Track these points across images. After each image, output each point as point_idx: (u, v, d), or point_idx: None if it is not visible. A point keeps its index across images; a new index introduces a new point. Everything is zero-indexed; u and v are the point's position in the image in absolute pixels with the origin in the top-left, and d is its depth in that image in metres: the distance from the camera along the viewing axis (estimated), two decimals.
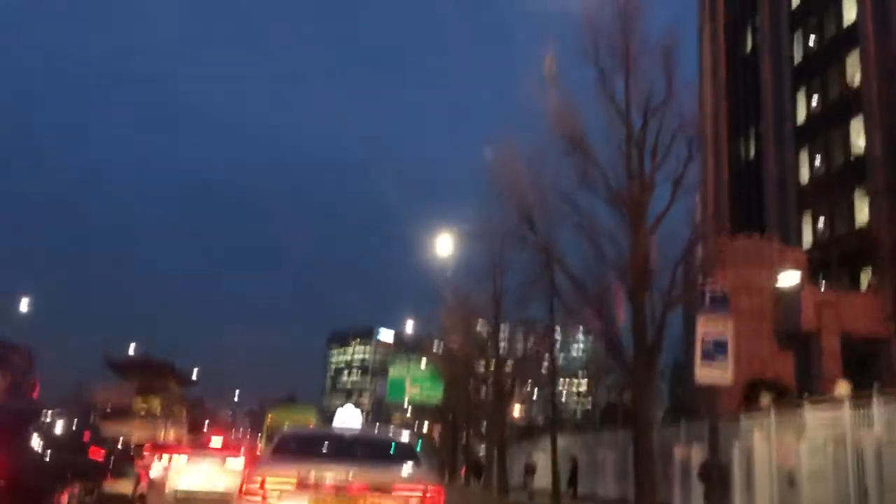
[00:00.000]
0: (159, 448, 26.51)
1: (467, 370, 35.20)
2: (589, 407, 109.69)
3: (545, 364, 40.03)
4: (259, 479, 6.73)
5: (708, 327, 14.00)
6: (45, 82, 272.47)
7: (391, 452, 8.20)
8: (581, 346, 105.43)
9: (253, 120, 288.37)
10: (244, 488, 6.79)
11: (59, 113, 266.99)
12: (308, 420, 50.86)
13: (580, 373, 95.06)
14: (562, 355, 67.26)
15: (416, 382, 45.68)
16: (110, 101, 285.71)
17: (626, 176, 18.62)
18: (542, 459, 36.47)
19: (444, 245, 31.31)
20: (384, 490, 6.70)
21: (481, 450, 55.81)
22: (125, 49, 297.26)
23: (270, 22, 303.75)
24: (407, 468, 7.50)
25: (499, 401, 32.20)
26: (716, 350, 13.89)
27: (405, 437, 9.55)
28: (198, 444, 22.18)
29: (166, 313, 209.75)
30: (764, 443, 16.84)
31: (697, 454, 20.05)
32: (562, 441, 36.09)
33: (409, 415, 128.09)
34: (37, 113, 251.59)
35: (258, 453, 23.54)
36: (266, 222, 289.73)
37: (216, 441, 21.56)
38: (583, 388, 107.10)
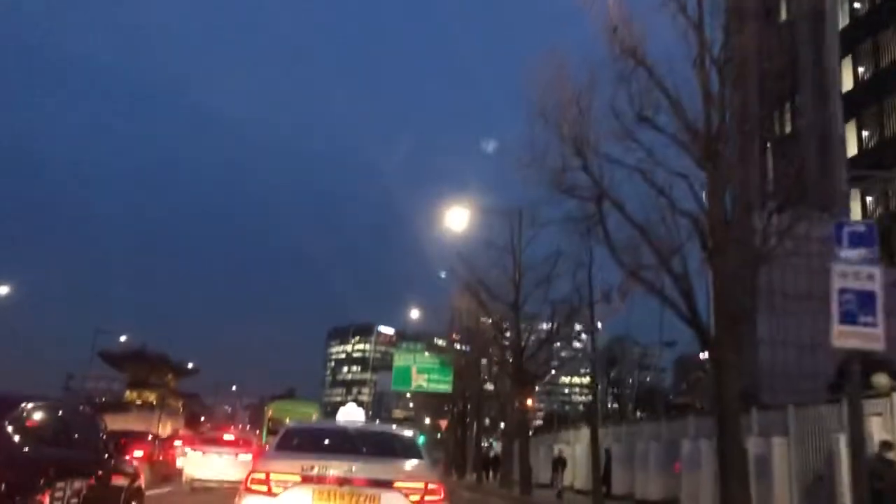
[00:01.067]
0: (133, 441, 23.44)
1: (483, 356, 31.25)
2: (589, 398, 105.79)
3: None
4: (264, 472, 6.80)
5: (847, 279, 10.12)
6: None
7: (394, 447, 8.08)
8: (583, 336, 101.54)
9: (252, 117, 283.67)
10: (249, 481, 6.79)
11: (65, 110, 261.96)
12: (310, 414, 47.57)
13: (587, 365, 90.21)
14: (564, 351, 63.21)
15: (423, 371, 41.87)
16: (118, 101, 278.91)
17: (703, 102, 14.83)
18: (566, 453, 32.77)
19: (456, 219, 27.76)
20: (386, 484, 6.67)
21: (490, 444, 52.06)
22: (135, 54, 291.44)
23: (273, 22, 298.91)
24: (409, 463, 7.43)
25: (520, 388, 28.33)
26: (861, 307, 10.03)
27: (408, 432, 9.17)
28: (211, 439, 23.34)
29: (165, 307, 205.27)
30: (889, 434, 13.05)
31: (780, 448, 16.36)
32: (588, 432, 32.39)
33: (411, 405, 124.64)
34: (35, 108, 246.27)
35: (260, 447, 24.18)
36: (268, 219, 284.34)
37: (229, 436, 23.54)
38: (586, 380, 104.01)
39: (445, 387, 42.71)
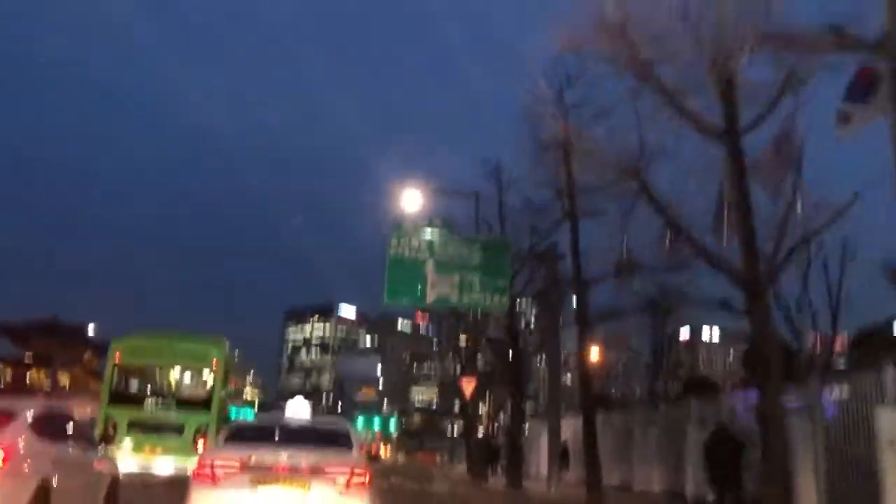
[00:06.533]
0: None
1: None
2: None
3: None
4: (209, 462, 7.60)
5: None
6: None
7: (329, 438, 8.58)
8: None
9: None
10: (196, 470, 7.62)
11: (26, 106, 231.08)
12: (204, 358, 20.27)
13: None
14: None
15: (448, 270, 18.91)
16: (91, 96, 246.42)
17: None
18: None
19: None
20: (316, 471, 7.48)
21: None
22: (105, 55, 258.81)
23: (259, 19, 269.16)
24: (339, 452, 8.05)
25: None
26: None
27: (343, 425, 9.65)
28: None
29: (100, 281, 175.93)
30: None
31: None
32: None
33: (381, 387, 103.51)
34: None
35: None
36: (221, 202, 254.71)
37: None
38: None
39: (497, 300, 19.57)
